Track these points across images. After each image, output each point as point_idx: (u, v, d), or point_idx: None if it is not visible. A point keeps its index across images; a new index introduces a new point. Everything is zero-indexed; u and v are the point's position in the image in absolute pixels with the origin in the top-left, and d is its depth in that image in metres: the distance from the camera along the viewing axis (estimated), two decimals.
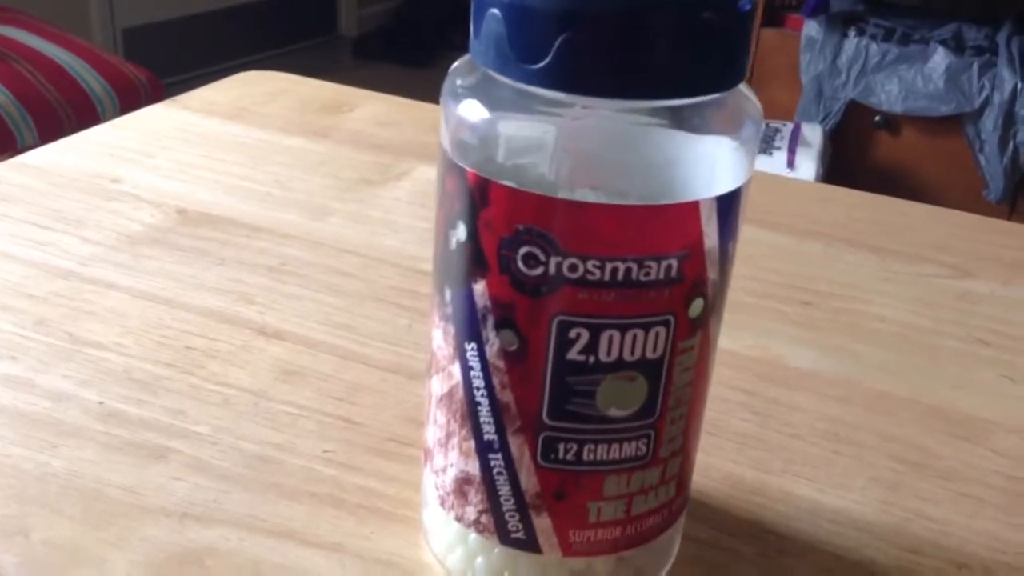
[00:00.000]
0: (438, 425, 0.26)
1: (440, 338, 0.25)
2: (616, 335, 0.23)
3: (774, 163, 1.71)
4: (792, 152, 1.73)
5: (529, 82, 0.22)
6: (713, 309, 0.24)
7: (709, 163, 0.23)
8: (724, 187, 0.23)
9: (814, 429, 0.35)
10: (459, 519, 0.26)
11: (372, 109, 0.60)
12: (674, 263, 0.23)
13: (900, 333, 0.41)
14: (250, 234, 0.44)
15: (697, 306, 0.24)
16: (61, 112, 1.41)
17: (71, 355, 0.35)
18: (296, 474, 0.31)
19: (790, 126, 1.83)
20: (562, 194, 0.23)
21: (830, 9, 1.93)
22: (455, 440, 0.25)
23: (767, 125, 1.82)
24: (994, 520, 0.32)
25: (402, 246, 0.45)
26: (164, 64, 2.47)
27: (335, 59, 3.09)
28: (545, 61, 0.21)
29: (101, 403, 0.33)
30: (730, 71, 0.23)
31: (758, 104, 0.24)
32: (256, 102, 0.59)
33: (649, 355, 0.23)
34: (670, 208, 0.22)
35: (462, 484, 0.26)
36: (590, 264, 0.22)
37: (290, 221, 0.46)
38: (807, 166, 1.70)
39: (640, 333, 0.23)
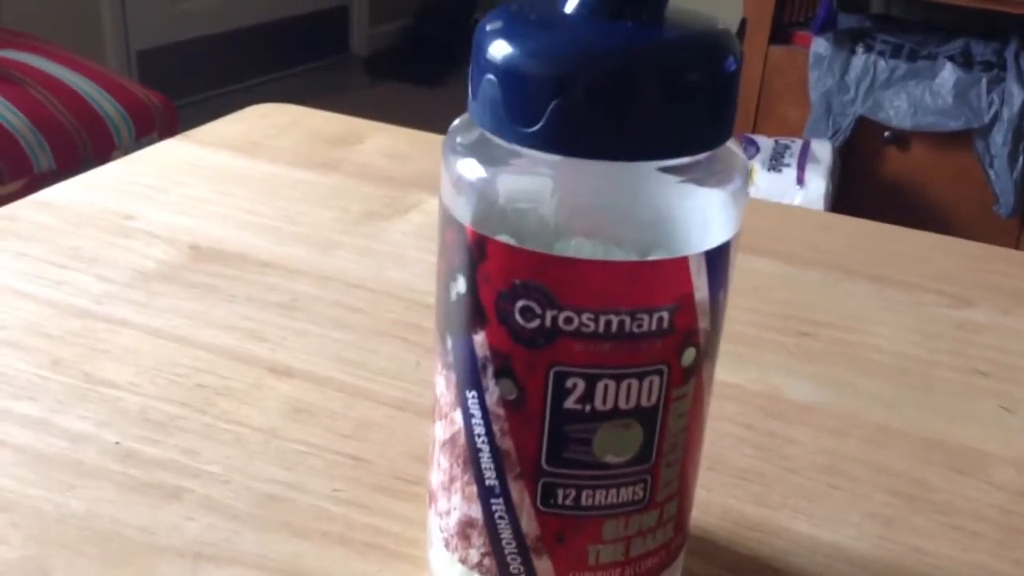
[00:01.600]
0: (442, 469, 0.27)
1: (443, 385, 0.26)
2: (611, 384, 0.24)
3: (784, 180, 1.72)
4: (802, 169, 1.74)
5: (523, 144, 0.23)
6: (706, 356, 0.25)
7: (698, 217, 0.24)
8: (713, 241, 0.24)
9: (812, 463, 0.36)
10: (463, 561, 0.27)
11: (381, 141, 0.61)
12: (665, 315, 0.24)
13: (898, 364, 0.42)
14: (260, 269, 0.45)
15: (689, 355, 0.25)
16: (76, 136, 1.43)
17: (87, 395, 0.36)
18: (305, 513, 0.31)
19: (799, 143, 1.83)
20: (558, 243, 0.23)
21: (838, 26, 1.94)
22: (458, 484, 0.26)
23: (776, 142, 1.83)
24: (988, 553, 0.32)
25: (410, 279, 0.45)
26: (179, 85, 2.50)
27: (348, 78, 3.12)
28: (538, 125, 0.22)
29: (117, 443, 0.34)
30: (717, 130, 0.23)
31: (745, 159, 0.25)
32: (267, 135, 0.60)
33: (644, 403, 0.24)
34: (660, 264, 0.23)
35: (465, 527, 0.26)
36: (585, 317, 0.23)
37: (299, 256, 0.47)
38: (816, 183, 1.71)
39: (635, 382, 0.24)
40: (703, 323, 0.24)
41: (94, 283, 0.43)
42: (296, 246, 0.48)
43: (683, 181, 0.24)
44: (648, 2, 0.23)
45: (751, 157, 1.77)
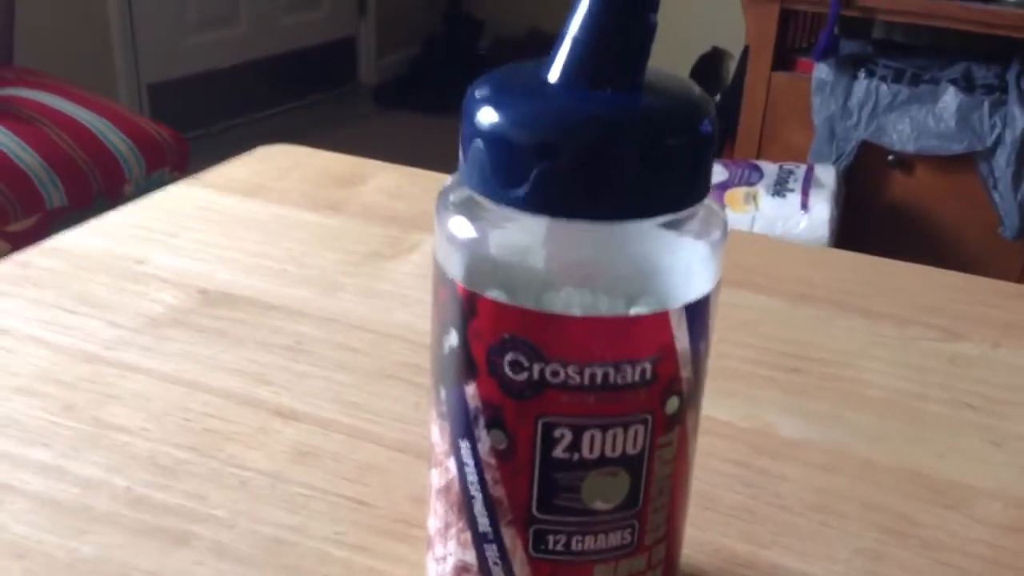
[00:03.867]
0: (438, 515, 0.28)
1: (437, 434, 0.27)
2: (598, 434, 0.25)
3: (788, 205, 1.73)
4: (806, 194, 1.75)
5: (510, 205, 0.24)
6: (689, 404, 0.26)
7: (681, 268, 0.25)
8: (694, 293, 0.25)
9: (802, 500, 0.37)
10: None
11: (384, 180, 0.62)
12: (648, 366, 0.25)
13: (888, 399, 0.43)
14: (266, 312, 0.47)
15: (673, 403, 0.26)
16: (88, 172, 1.45)
17: (98, 440, 0.37)
18: (309, 556, 0.33)
19: (803, 168, 1.85)
20: (547, 295, 0.25)
21: (840, 52, 1.95)
22: (453, 531, 0.27)
23: (780, 167, 1.84)
24: None
25: (412, 320, 0.47)
26: (190, 118, 2.53)
27: (356, 108, 3.15)
28: (524, 189, 0.24)
29: (128, 488, 0.35)
30: (694, 189, 0.25)
31: (723, 215, 0.26)
32: (272, 177, 0.62)
33: (630, 451, 0.25)
34: (642, 319, 0.24)
35: (461, 572, 0.27)
36: (570, 369, 0.24)
37: (304, 298, 0.48)
38: (821, 207, 1.72)
39: (620, 431, 0.25)
40: (685, 372, 0.26)
41: (104, 328, 0.45)
42: (301, 288, 0.49)
43: (665, 235, 0.25)
44: (626, 71, 0.24)
45: (756, 183, 1.78)
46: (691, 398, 0.26)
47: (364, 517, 0.34)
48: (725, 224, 0.26)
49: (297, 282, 0.50)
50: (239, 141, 0.66)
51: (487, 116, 0.24)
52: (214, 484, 0.35)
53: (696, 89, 0.25)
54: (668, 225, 0.25)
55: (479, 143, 0.24)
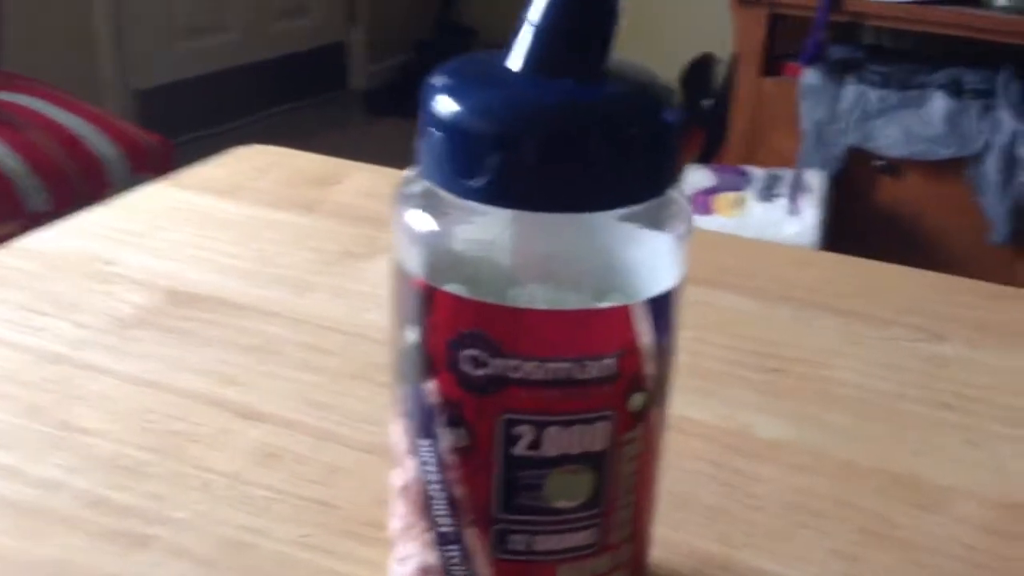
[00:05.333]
0: (399, 516, 0.27)
1: (398, 433, 0.27)
2: (560, 431, 0.24)
3: (776, 210, 1.73)
4: (794, 199, 1.75)
5: (468, 197, 0.23)
6: (654, 401, 0.26)
7: (646, 261, 0.25)
8: (655, 289, 0.24)
9: (778, 501, 0.36)
10: None
11: (360, 180, 0.61)
12: (611, 362, 0.24)
13: (866, 399, 0.42)
14: (235, 313, 0.46)
15: (637, 400, 0.25)
16: (73, 177, 1.44)
17: (61, 442, 0.37)
18: (271, 559, 0.32)
19: (792, 173, 1.84)
20: (512, 291, 0.24)
21: (828, 57, 1.95)
22: (415, 531, 0.27)
23: (769, 173, 1.84)
24: None
25: (384, 320, 0.46)
26: (178, 123, 2.52)
27: (346, 113, 3.14)
28: (482, 179, 0.23)
29: (88, 490, 0.34)
30: (657, 179, 0.24)
31: (687, 206, 0.26)
32: (248, 177, 0.61)
33: (593, 448, 0.25)
34: (603, 312, 0.24)
35: (423, 574, 0.27)
36: (531, 365, 0.24)
37: (274, 298, 0.47)
38: (809, 212, 1.72)
39: (583, 428, 0.24)
40: (650, 369, 0.25)
41: (71, 329, 0.44)
42: (272, 288, 0.48)
43: (628, 228, 0.24)
44: (588, 60, 0.24)
45: (744, 188, 1.78)
46: (656, 395, 0.26)
47: (329, 519, 0.33)
48: (690, 216, 0.25)
49: (268, 282, 0.49)
50: (227, 147, 0.66)
51: (445, 105, 0.24)
52: (176, 486, 0.35)
53: (659, 79, 0.25)
54: (632, 217, 0.24)
55: (437, 133, 0.24)
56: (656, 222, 0.25)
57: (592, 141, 0.23)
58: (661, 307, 0.24)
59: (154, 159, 1.56)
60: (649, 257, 0.25)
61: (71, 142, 1.47)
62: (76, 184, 1.44)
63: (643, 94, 0.24)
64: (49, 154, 1.43)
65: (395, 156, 0.66)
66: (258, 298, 0.47)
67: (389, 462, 0.35)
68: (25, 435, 0.37)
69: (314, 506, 0.34)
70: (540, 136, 0.23)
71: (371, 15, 3.28)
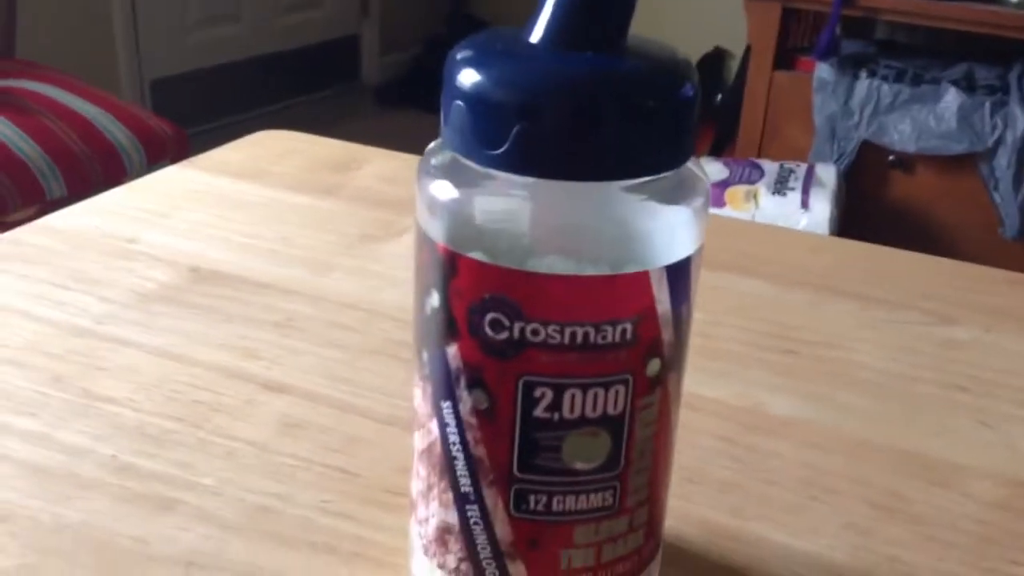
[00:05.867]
0: (420, 478, 0.28)
1: (420, 397, 0.27)
2: (578, 394, 0.25)
3: (788, 204, 1.73)
4: (806, 193, 1.75)
5: (490, 166, 0.24)
6: (671, 368, 0.26)
7: (664, 232, 0.25)
8: (674, 256, 0.25)
9: (791, 476, 0.36)
10: (441, 567, 0.28)
11: (379, 166, 0.62)
12: (629, 327, 0.25)
13: (880, 381, 0.43)
14: (257, 290, 0.47)
15: (654, 365, 0.26)
16: (88, 164, 1.45)
17: (86, 410, 0.37)
18: (294, 524, 0.32)
19: (804, 167, 1.84)
20: (531, 260, 0.25)
21: (841, 51, 1.95)
22: (435, 492, 0.27)
23: (781, 166, 1.84)
24: (961, 563, 0.33)
25: (402, 299, 0.47)
26: (192, 114, 2.53)
27: (358, 106, 3.15)
28: (504, 148, 0.24)
29: (114, 456, 0.35)
30: (675, 152, 0.25)
31: (705, 178, 0.26)
32: (268, 161, 0.62)
33: (610, 412, 0.25)
34: (621, 278, 0.24)
35: (443, 533, 0.27)
36: (551, 329, 0.24)
37: (295, 277, 0.48)
38: (821, 206, 1.72)
39: (600, 392, 0.25)
40: (667, 335, 0.25)
41: (95, 304, 0.45)
42: (293, 268, 0.49)
43: (647, 199, 0.25)
44: (608, 33, 0.24)
45: (756, 181, 1.78)
46: (673, 362, 0.26)
47: (350, 486, 0.34)
48: (707, 188, 0.26)
49: (288, 262, 0.50)
50: (240, 137, 0.66)
51: (468, 77, 0.24)
52: (201, 453, 0.35)
53: (679, 53, 0.25)
54: (650, 189, 0.25)
55: (460, 104, 0.24)
56: (674, 195, 0.25)
57: (612, 111, 0.23)
58: (679, 274, 0.25)
59: (169, 148, 1.57)
60: (667, 229, 0.25)
61: (88, 130, 1.48)
62: (92, 172, 1.45)
63: (663, 67, 0.25)
64: (65, 141, 1.44)
65: (406, 149, 0.66)
66: (279, 277, 0.48)
67: (411, 427, 0.35)
68: (50, 403, 0.38)
69: (336, 474, 0.35)
70: (561, 106, 0.23)
71: (384, 8, 3.29)
